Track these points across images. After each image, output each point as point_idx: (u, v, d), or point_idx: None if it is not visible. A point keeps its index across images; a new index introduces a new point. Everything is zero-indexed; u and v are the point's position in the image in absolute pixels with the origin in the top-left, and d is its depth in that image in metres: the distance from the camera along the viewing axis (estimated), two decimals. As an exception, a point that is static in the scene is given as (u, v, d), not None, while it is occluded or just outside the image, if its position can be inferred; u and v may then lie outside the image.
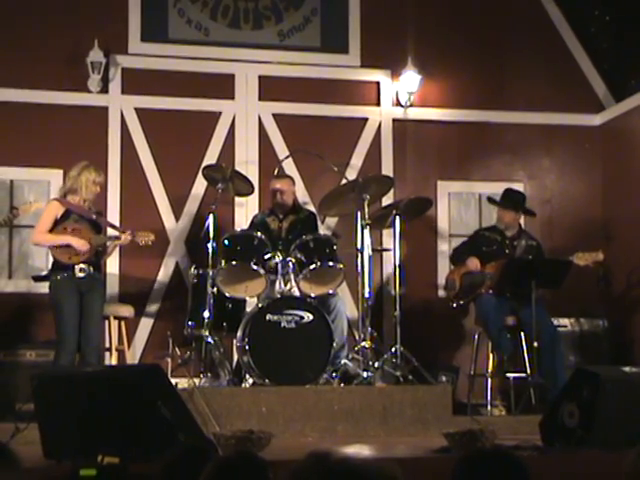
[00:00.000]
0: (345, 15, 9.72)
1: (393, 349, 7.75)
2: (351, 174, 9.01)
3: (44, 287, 8.09)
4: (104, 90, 9.17)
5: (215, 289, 7.70)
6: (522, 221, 8.77)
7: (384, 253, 9.01)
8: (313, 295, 7.64)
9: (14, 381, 7.74)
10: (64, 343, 7.40)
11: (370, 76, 9.71)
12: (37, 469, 4.61)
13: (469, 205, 9.77)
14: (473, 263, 8.21)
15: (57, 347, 7.48)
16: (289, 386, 7.13)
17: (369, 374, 7.48)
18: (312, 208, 8.88)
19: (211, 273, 7.69)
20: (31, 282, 8.18)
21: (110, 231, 7.91)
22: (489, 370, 8.17)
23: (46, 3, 9.10)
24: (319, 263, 7.56)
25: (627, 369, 6.75)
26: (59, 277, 7.51)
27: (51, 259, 7.91)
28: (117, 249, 8.13)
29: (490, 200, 8.72)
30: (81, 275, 7.49)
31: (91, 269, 7.55)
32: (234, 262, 7.58)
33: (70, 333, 7.40)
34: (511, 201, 8.51)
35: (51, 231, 7.57)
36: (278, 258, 7.65)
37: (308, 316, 7.38)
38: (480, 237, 8.53)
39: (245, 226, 8.71)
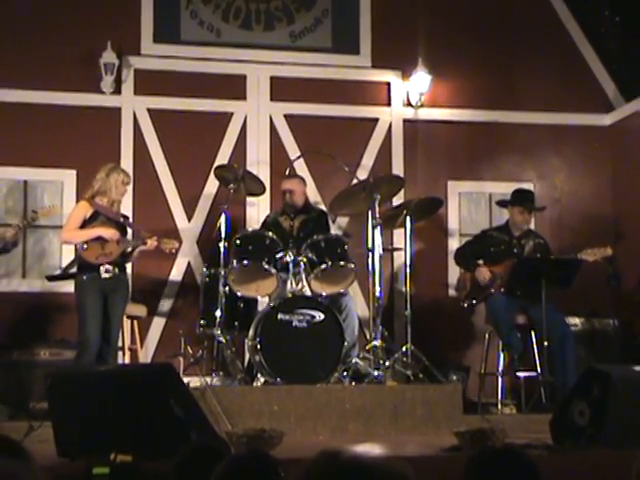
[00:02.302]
0: (356, 16, 9.72)
1: (404, 348, 7.75)
2: (362, 174, 9.01)
3: (58, 287, 8.13)
4: (117, 91, 9.18)
5: (227, 288, 7.72)
6: (532, 222, 8.75)
7: (395, 253, 9.01)
8: (324, 294, 7.65)
9: (28, 380, 7.75)
10: (87, 343, 7.37)
11: (381, 77, 9.71)
12: (51, 467, 4.62)
13: (479, 205, 9.76)
14: (482, 275, 8.17)
15: (79, 346, 7.47)
16: (300, 385, 7.12)
17: (380, 373, 7.48)
18: (323, 208, 8.88)
19: (223, 272, 7.71)
20: (45, 282, 8.20)
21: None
22: (499, 369, 8.16)
23: (60, 6, 9.11)
24: (330, 263, 7.56)
25: (638, 368, 6.74)
26: (85, 277, 7.48)
27: (66, 259, 7.94)
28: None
29: (500, 203, 8.70)
30: (106, 275, 7.47)
31: (116, 270, 7.54)
32: (246, 261, 7.59)
33: (93, 333, 7.38)
34: (522, 199, 8.49)
35: (82, 229, 7.57)
36: (289, 258, 7.65)
37: (319, 315, 7.38)
38: (488, 237, 8.52)
39: (257, 226, 8.73)
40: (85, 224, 7.56)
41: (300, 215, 8.41)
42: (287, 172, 8.83)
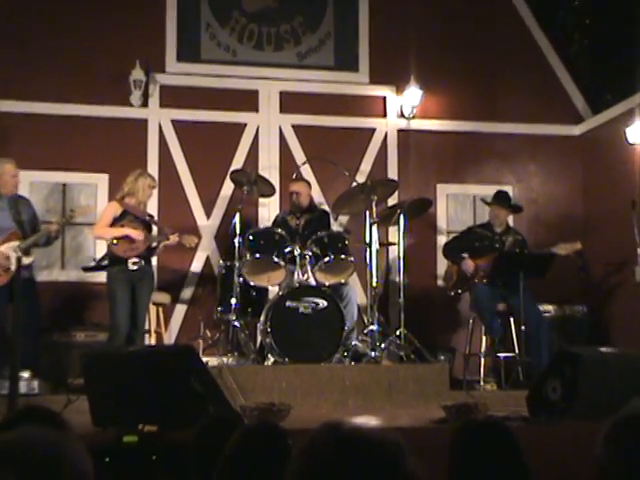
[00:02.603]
0: (355, 38, 9.71)
1: (397, 332, 7.74)
2: (360, 178, 8.99)
3: (92, 277, 8.13)
4: (144, 104, 9.18)
5: (241, 279, 7.71)
6: (511, 219, 8.75)
7: (390, 247, 9.02)
8: (327, 284, 7.64)
9: (66, 359, 7.76)
10: (117, 327, 7.39)
11: (377, 91, 9.69)
12: (86, 435, 4.63)
13: (465, 205, 9.75)
14: (467, 267, 8.18)
15: (110, 330, 7.49)
16: (306, 364, 7.13)
17: (376, 354, 7.48)
18: (327, 208, 8.87)
19: (237, 265, 7.70)
20: (81, 272, 8.21)
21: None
22: (482, 350, 8.15)
23: (94, 29, 9.10)
24: (332, 256, 7.56)
25: (604, 349, 6.75)
26: (115, 269, 7.49)
27: (100, 253, 7.94)
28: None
29: (485, 202, 8.70)
30: (134, 267, 7.47)
31: (143, 262, 7.54)
32: (258, 255, 7.59)
33: (122, 318, 7.39)
34: (503, 200, 8.51)
35: (112, 227, 7.59)
36: (296, 252, 7.66)
37: (323, 303, 7.38)
38: (473, 233, 8.51)
39: (268, 223, 8.72)
40: (115, 222, 7.58)
41: (306, 214, 8.41)
42: (294, 176, 8.82)
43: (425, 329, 8.39)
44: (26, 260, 7.27)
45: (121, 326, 7.37)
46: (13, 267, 7.11)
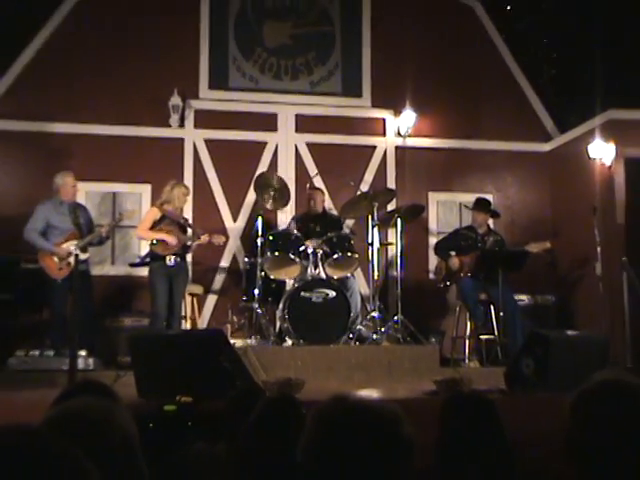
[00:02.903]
0: (359, 69, 9.72)
1: (395, 318, 7.73)
2: (364, 187, 8.99)
3: (137, 271, 8.15)
4: (181, 126, 9.21)
5: (262, 273, 7.71)
6: (491, 222, 8.74)
7: (389, 246, 9.00)
8: (335, 277, 7.64)
9: (116, 340, 7.78)
10: (157, 314, 7.40)
11: (378, 114, 9.69)
12: (132, 405, 4.64)
13: (452, 210, 9.74)
14: (453, 263, 8.16)
15: (151, 317, 7.50)
16: (318, 345, 7.13)
17: (377, 336, 7.48)
18: (335, 212, 8.87)
19: (260, 261, 7.70)
20: (128, 267, 8.23)
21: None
22: (467, 333, 8.13)
23: (139, 63, 9.14)
24: (340, 253, 7.56)
25: (569, 332, 6.74)
26: (155, 265, 7.50)
27: (144, 251, 7.96)
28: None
29: (467, 207, 8.69)
30: (171, 264, 7.48)
31: (178, 259, 7.56)
32: (277, 253, 7.59)
33: (161, 306, 7.39)
34: (482, 206, 8.49)
35: (150, 229, 7.62)
36: (310, 250, 7.66)
37: (332, 293, 7.38)
38: (459, 235, 8.48)
39: (285, 226, 8.71)
40: (155, 225, 7.59)
41: (322, 218, 8.39)
42: (307, 186, 8.80)
43: (419, 315, 8.37)
44: (82, 256, 7.30)
45: (160, 313, 7.39)
46: (72, 262, 7.15)
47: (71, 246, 7.32)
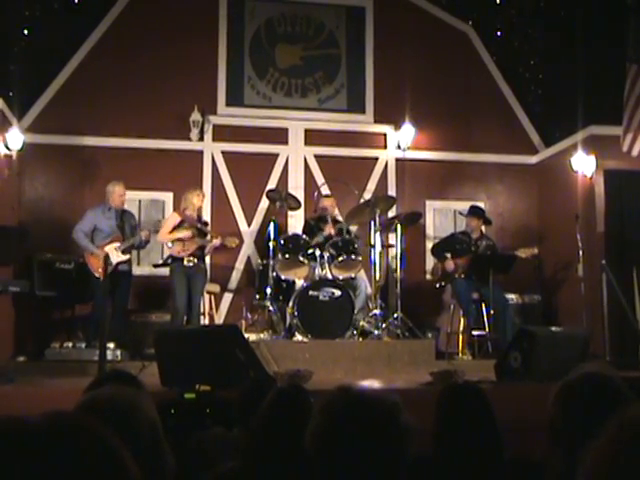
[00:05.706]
0: (363, 87, 9.73)
1: (395, 315, 7.74)
2: (367, 195, 8.99)
3: (161, 272, 8.16)
4: (201, 139, 9.23)
5: (274, 273, 7.72)
6: (483, 228, 8.73)
7: (389, 249, 9.00)
8: (341, 278, 7.64)
9: (142, 334, 7.78)
10: (177, 310, 7.45)
11: (380, 129, 9.69)
12: (156, 393, 4.66)
13: (447, 217, 9.73)
14: (449, 265, 8.15)
15: (172, 313, 7.56)
16: (324, 340, 7.14)
17: (379, 332, 7.48)
18: (341, 218, 8.87)
19: (272, 262, 7.71)
20: (152, 268, 8.25)
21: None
22: (460, 329, 8.14)
23: (162, 82, 9.16)
24: (345, 256, 7.56)
25: (554, 328, 6.73)
26: (175, 265, 7.56)
27: (165, 254, 7.99)
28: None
29: (461, 213, 8.69)
30: (189, 264, 7.53)
31: (196, 260, 7.58)
32: (287, 255, 7.59)
33: (180, 304, 7.44)
34: (476, 213, 8.49)
35: (170, 233, 7.65)
36: (317, 252, 7.66)
37: (338, 292, 7.37)
38: (454, 239, 8.48)
39: (295, 231, 8.71)
40: (175, 228, 7.64)
41: (331, 223, 8.37)
42: (315, 194, 8.78)
43: (416, 313, 8.36)
44: (123, 257, 7.47)
45: (179, 309, 7.43)
46: (114, 262, 7.30)
47: (113, 248, 7.42)
